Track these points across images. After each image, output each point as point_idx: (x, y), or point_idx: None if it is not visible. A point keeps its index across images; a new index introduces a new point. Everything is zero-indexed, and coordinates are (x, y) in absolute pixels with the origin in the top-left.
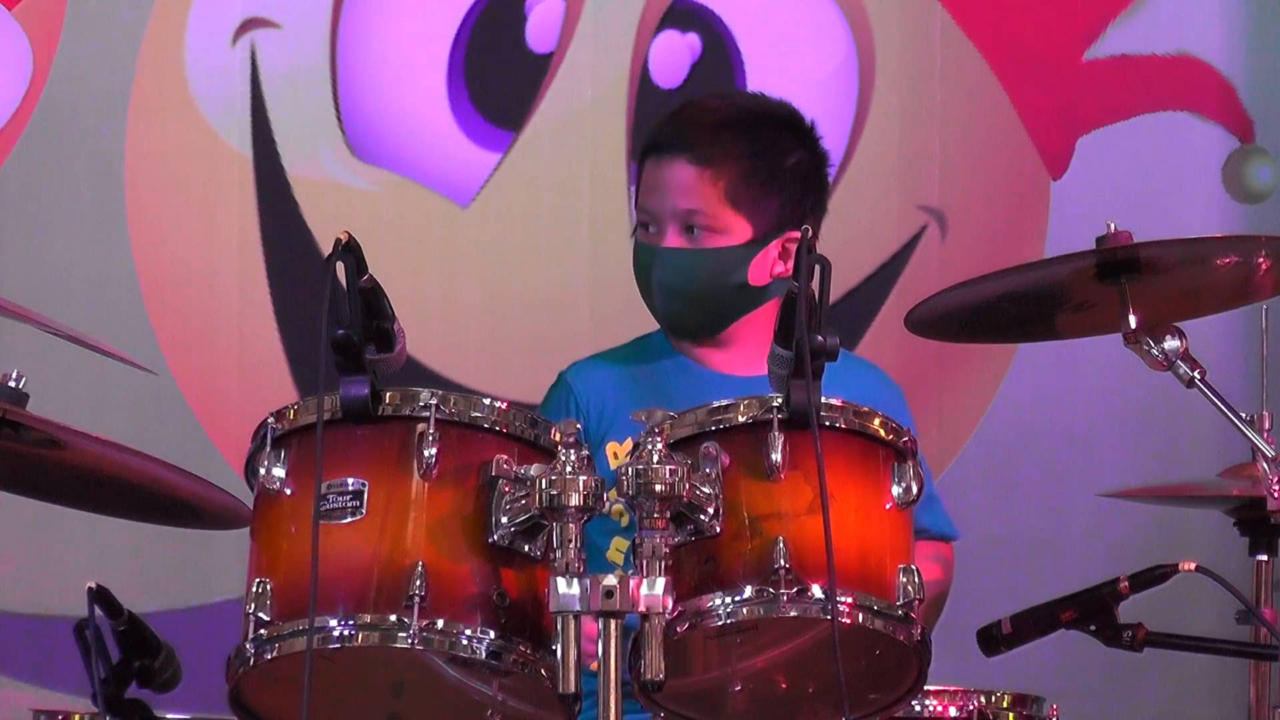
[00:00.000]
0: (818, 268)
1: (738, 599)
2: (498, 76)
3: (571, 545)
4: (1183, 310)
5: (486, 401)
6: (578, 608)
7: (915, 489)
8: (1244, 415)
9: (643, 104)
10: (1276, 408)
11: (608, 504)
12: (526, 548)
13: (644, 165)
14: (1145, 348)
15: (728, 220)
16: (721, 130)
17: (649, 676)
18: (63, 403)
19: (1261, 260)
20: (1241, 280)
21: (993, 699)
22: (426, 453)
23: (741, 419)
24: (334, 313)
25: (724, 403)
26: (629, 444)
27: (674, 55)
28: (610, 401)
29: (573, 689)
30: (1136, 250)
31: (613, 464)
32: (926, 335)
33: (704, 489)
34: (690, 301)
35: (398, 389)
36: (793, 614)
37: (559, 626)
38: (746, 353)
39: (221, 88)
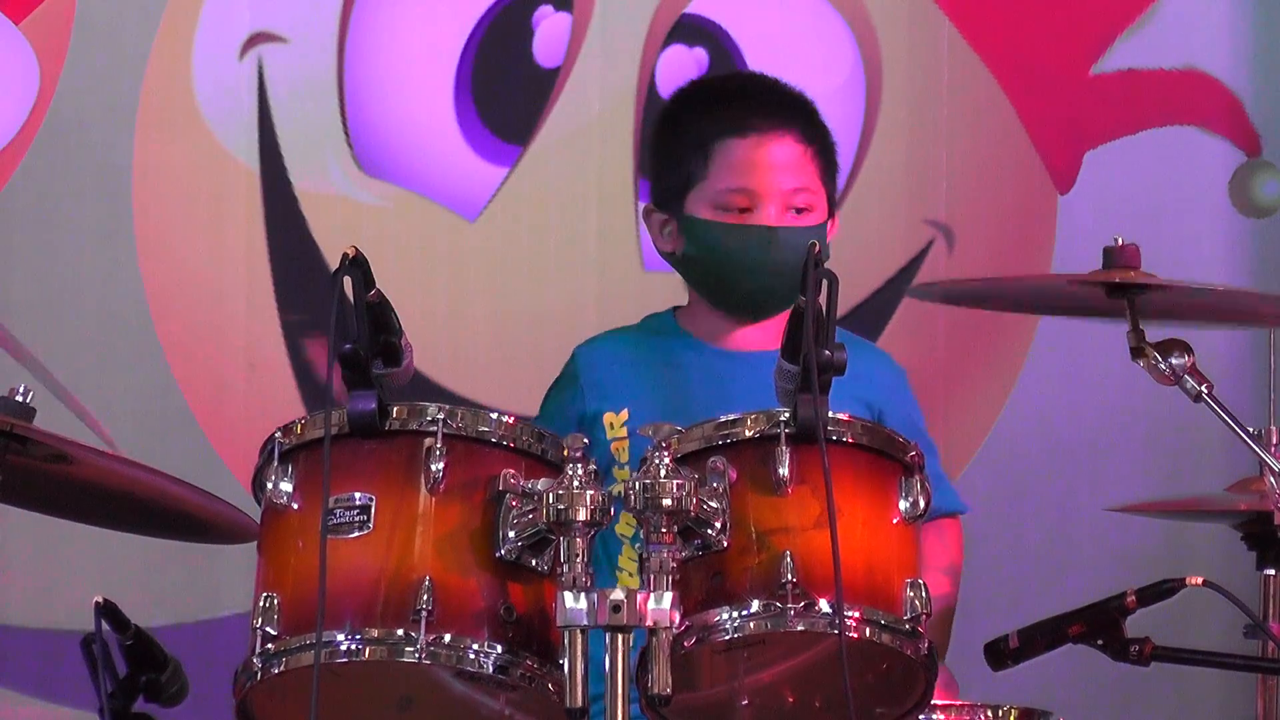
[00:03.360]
0: (825, 282)
1: (745, 613)
2: (505, 91)
3: (579, 559)
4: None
5: (494, 416)
6: (585, 622)
7: (923, 504)
8: (1251, 430)
9: (650, 118)
10: None
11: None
12: (534, 562)
13: (721, 146)
14: (1153, 362)
15: (819, 198)
16: (806, 107)
17: (656, 691)
18: (70, 418)
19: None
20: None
21: (999, 713)
22: (434, 467)
23: (749, 433)
24: (341, 327)
25: (731, 417)
26: (625, 414)
27: (681, 69)
28: (613, 373)
29: (580, 703)
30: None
31: (609, 434)
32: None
33: (711, 503)
34: (791, 280)
35: (405, 403)
36: (800, 628)
37: (566, 641)
38: (764, 330)
39: (229, 102)
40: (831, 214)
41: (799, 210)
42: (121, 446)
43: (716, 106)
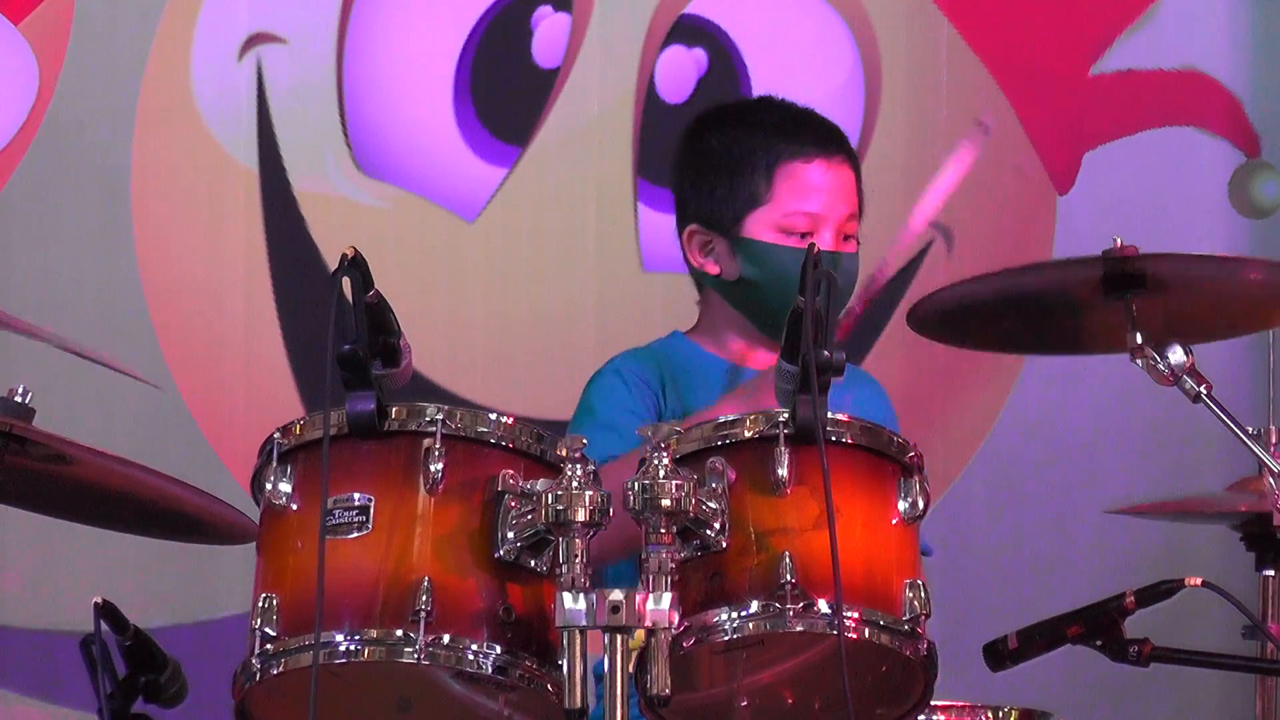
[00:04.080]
0: (823, 283)
1: (744, 614)
2: (504, 92)
3: (578, 560)
4: (1191, 331)
5: (493, 416)
6: (584, 622)
7: (922, 504)
8: (1250, 430)
9: (649, 119)
10: None
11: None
12: (533, 562)
13: (784, 169)
14: (1151, 362)
15: (857, 227)
16: (843, 136)
17: (655, 691)
18: (69, 418)
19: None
20: (1250, 305)
21: (1000, 714)
22: (432, 468)
23: (748, 434)
24: (340, 328)
25: (730, 418)
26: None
27: (680, 70)
28: (677, 377)
29: (579, 704)
30: (1143, 263)
31: None
32: (929, 334)
33: (710, 504)
34: (840, 306)
35: (404, 404)
36: (799, 629)
37: (565, 641)
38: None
39: (228, 103)
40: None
41: (848, 237)
42: (120, 447)
43: (774, 129)
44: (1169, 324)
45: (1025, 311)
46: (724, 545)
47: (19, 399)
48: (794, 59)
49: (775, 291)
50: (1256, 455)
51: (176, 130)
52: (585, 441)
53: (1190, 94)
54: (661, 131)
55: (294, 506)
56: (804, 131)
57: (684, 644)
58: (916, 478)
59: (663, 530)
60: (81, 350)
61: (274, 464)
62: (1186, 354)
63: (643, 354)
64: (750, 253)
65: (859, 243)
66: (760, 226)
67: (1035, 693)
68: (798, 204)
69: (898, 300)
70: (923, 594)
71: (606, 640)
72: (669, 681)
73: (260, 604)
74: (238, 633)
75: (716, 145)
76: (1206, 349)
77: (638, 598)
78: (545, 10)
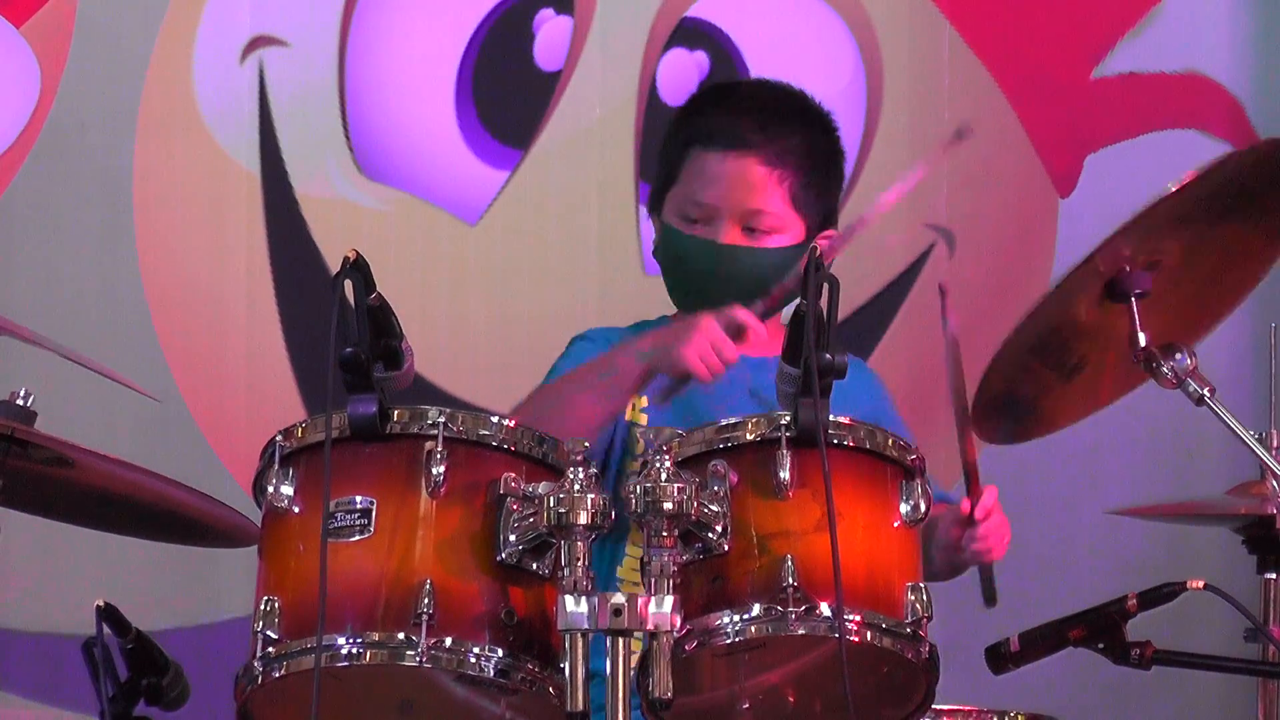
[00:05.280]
0: (826, 285)
1: (746, 617)
2: (506, 95)
3: (579, 563)
4: (1193, 326)
5: (495, 419)
6: (586, 625)
7: (924, 507)
8: (1253, 433)
9: (651, 121)
10: None
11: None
12: (535, 565)
13: (692, 154)
14: (1155, 366)
15: (789, 221)
16: (790, 130)
17: (657, 694)
18: (71, 421)
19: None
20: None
21: (1006, 719)
22: (434, 471)
23: (750, 437)
24: (342, 331)
25: (732, 421)
26: (644, 400)
27: (682, 73)
28: None
29: (581, 707)
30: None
31: (628, 413)
32: (1000, 441)
33: (712, 507)
34: (744, 296)
35: (406, 407)
36: (801, 632)
37: (567, 644)
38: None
39: (229, 106)
40: (822, 230)
41: (755, 230)
42: (122, 450)
43: (699, 115)
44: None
45: (1042, 353)
46: (726, 548)
47: (21, 402)
48: (796, 62)
49: (670, 272)
50: (1259, 458)
51: (178, 133)
52: (587, 444)
53: (1192, 97)
54: (663, 134)
55: (296, 509)
56: (725, 120)
57: (686, 647)
58: (918, 480)
59: (665, 533)
60: (83, 360)
61: (276, 467)
62: (1190, 357)
63: (611, 333)
64: (661, 233)
65: (815, 231)
66: (669, 209)
67: (1037, 695)
68: (694, 192)
69: (898, 305)
70: (924, 597)
71: (609, 644)
72: (671, 685)
73: (262, 607)
74: (239, 635)
75: (668, 126)
76: (1209, 353)
77: (640, 601)
78: (547, 13)
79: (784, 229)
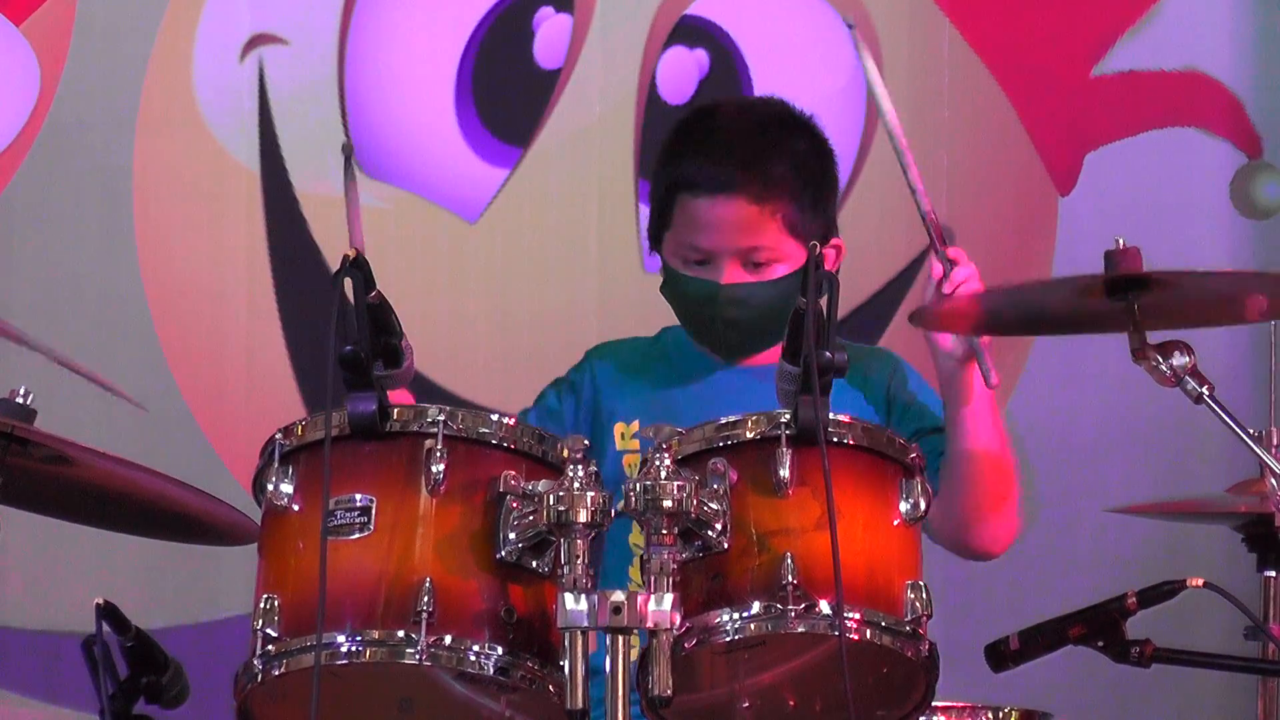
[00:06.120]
0: (825, 284)
1: (746, 615)
2: (505, 93)
3: (579, 561)
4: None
5: (494, 417)
6: (585, 623)
7: (923, 505)
8: (1252, 431)
9: (650, 120)
10: None
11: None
12: (534, 563)
13: (679, 200)
14: (1154, 363)
15: (788, 249)
16: (774, 157)
17: (657, 692)
18: (70, 419)
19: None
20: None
21: (1000, 714)
22: (434, 469)
23: (750, 435)
24: (342, 329)
25: (732, 419)
26: (635, 425)
27: (682, 71)
28: (625, 382)
29: (580, 705)
30: (1147, 277)
31: (619, 444)
32: (931, 328)
33: (712, 505)
34: (756, 330)
35: (405, 405)
36: (800, 630)
37: (566, 642)
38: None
39: (229, 104)
40: (820, 243)
41: (757, 265)
42: (122, 448)
43: (681, 159)
44: (1173, 318)
45: (1030, 319)
46: (725, 546)
47: (20, 400)
48: (795, 60)
49: (678, 312)
50: (1258, 456)
51: (178, 131)
52: (586, 443)
53: (1192, 95)
54: (663, 132)
55: (295, 507)
56: (706, 162)
57: (685, 645)
58: (918, 478)
59: (664, 531)
60: (72, 365)
61: (275, 465)
62: (1189, 355)
63: (626, 349)
64: (665, 272)
65: (813, 242)
66: (668, 251)
67: (1037, 694)
68: (688, 237)
69: (898, 303)
70: (924, 595)
71: (609, 642)
72: (670, 682)
73: (262, 605)
74: (239, 633)
75: (654, 168)
76: (1208, 351)
77: (639, 599)
78: (546, 11)
79: (785, 258)
